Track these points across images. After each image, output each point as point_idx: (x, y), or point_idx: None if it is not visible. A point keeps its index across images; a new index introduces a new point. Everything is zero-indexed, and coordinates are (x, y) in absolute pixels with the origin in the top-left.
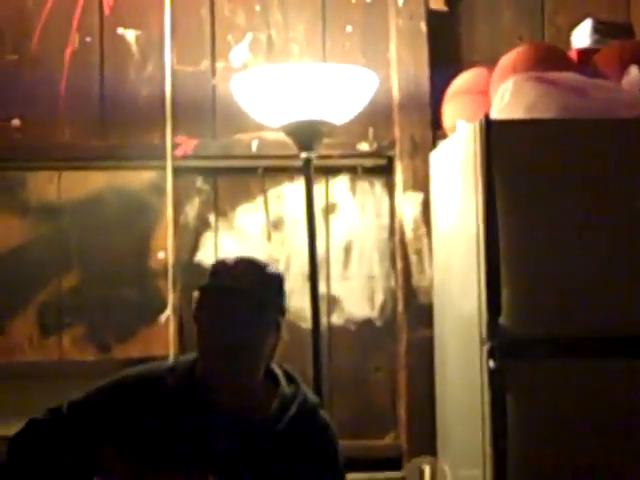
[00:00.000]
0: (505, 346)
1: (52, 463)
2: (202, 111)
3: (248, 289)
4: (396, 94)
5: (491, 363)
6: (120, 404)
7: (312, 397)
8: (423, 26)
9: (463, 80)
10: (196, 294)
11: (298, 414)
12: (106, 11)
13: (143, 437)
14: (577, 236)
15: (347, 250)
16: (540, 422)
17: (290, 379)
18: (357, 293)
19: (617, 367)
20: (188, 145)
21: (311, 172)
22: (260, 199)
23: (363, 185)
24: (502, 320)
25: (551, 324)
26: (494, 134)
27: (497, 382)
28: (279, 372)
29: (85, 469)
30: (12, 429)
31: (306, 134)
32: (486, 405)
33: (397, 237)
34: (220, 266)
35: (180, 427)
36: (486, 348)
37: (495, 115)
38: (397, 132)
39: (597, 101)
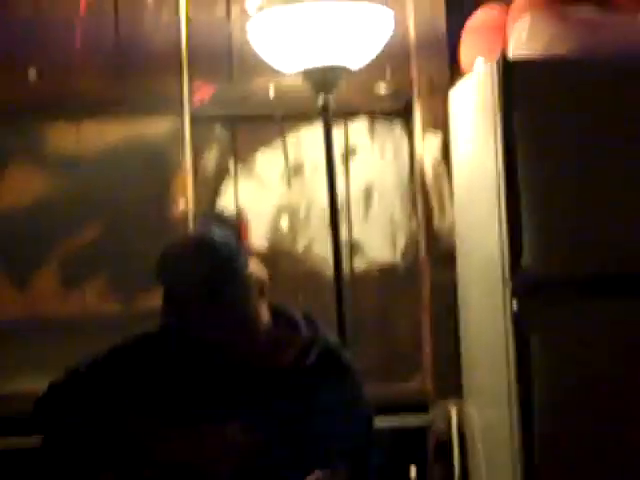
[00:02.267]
0: (527, 286)
1: (76, 430)
2: (218, 57)
3: (206, 286)
4: (413, 34)
5: (514, 303)
6: (136, 362)
7: (333, 340)
8: None
9: (480, 17)
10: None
11: (319, 356)
12: None
13: (160, 392)
14: (598, 176)
15: (367, 194)
16: (565, 361)
17: (309, 321)
18: (379, 237)
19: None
20: (205, 92)
21: (329, 115)
22: (279, 145)
23: (382, 127)
24: (524, 260)
25: (574, 263)
26: (512, 72)
27: (520, 322)
28: (298, 315)
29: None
30: (38, 384)
31: (323, 78)
32: (510, 346)
33: (417, 180)
34: (166, 270)
35: (197, 380)
36: (509, 288)
37: (513, 52)
38: (414, 72)
39: (615, 38)
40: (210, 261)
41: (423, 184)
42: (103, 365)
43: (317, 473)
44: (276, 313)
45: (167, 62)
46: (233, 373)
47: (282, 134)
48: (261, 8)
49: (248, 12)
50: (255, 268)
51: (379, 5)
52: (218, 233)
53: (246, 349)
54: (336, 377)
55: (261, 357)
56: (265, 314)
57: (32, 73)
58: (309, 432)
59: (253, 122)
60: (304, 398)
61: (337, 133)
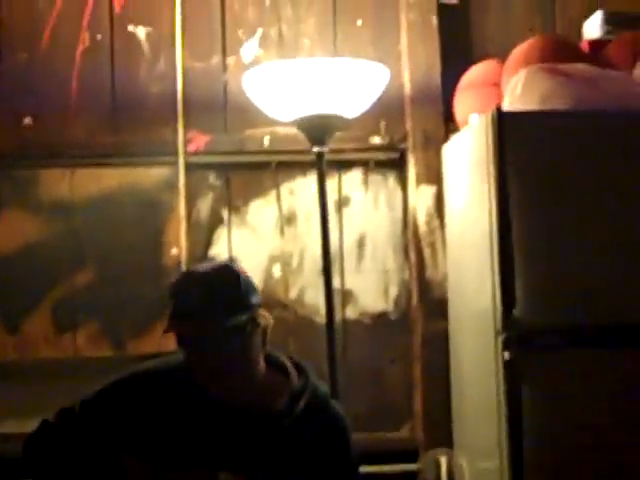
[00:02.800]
0: (519, 337)
1: (65, 468)
2: (214, 107)
3: (210, 322)
4: (408, 87)
5: (506, 354)
6: (131, 401)
7: (322, 388)
8: (434, 19)
9: (475, 73)
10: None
11: (308, 407)
12: (116, 9)
13: (155, 434)
14: (590, 228)
15: (360, 244)
16: (556, 413)
17: (299, 370)
18: (371, 287)
19: (633, 356)
20: (200, 141)
21: (323, 166)
22: (273, 194)
23: (376, 178)
24: (516, 311)
25: (565, 315)
26: (506, 126)
27: (512, 373)
28: (288, 363)
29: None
30: (28, 426)
31: (318, 128)
32: (502, 396)
33: (410, 230)
34: (176, 301)
35: (191, 422)
36: (501, 339)
37: (507, 107)
38: (409, 125)
39: (609, 93)
40: (233, 290)
41: (416, 235)
42: (97, 404)
43: None
44: (267, 360)
45: (163, 110)
46: (226, 418)
47: (276, 183)
48: (257, 59)
49: (243, 61)
50: (263, 314)
51: (374, 62)
52: (240, 269)
53: (242, 394)
54: (324, 426)
55: (253, 404)
56: (262, 360)
57: (27, 120)
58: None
59: (247, 171)
60: (292, 446)
61: (331, 183)
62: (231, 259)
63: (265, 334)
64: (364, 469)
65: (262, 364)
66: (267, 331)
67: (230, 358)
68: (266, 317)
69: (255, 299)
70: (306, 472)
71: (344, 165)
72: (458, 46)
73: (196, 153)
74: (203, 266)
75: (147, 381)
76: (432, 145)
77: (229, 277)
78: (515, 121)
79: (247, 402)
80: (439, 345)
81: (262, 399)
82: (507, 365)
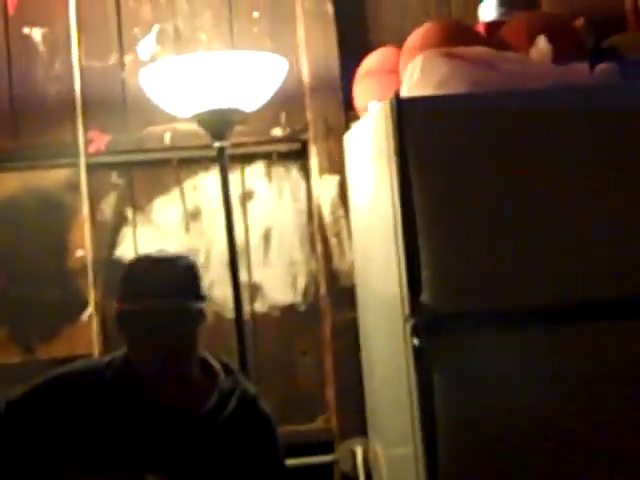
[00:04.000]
0: (428, 323)
1: None
2: (113, 106)
3: (164, 302)
4: (306, 78)
5: (415, 340)
6: (60, 401)
7: (251, 388)
8: (330, 8)
9: (372, 60)
10: (113, 311)
11: (237, 407)
12: (10, 11)
13: (82, 434)
14: (494, 212)
15: (267, 236)
16: (468, 397)
17: (228, 371)
18: (279, 279)
19: (541, 338)
20: (101, 141)
21: (225, 161)
22: (176, 191)
23: (279, 171)
24: (423, 297)
25: (472, 299)
26: (405, 112)
27: (422, 359)
28: (216, 364)
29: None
30: None
31: (218, 123)
32: (413, 383)
33: (315, 221)
34: (130, 281)
35: (120, 422)
36: (409, 326)
37: (406, 93)
38: (310, 116)
39: (507, 73)
40: (192, 277)
41: (321, 225)
42: (23, 404)
43: None
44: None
45: (61, 112)
46: (155, 418)
47: (179, 180)
48: (154, 57)
49: (140, 59)
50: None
51: (271, 53)
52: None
53: (174, 392)
54: (253, 427)
55: (183, 404)
56: (198, 357)
57: None
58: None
59: (149, 169)
60: (222, 447)
61: (234, 177)
62: None
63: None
64: None
65: (198, 362)
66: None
67: (178, 344)
68: (209, 313)
69: (204, 291)
70: (235, 472)
71: (246, 159)
72: (355, 34)
73: (97, 153)
74: (159, 252)
75: (74, 381)
76: (333, 135)
77: (189, 264)
78: (414, 107)
79: (177, 402)
80: (349, 334)
81: (192, 399)
82: (416, 351)
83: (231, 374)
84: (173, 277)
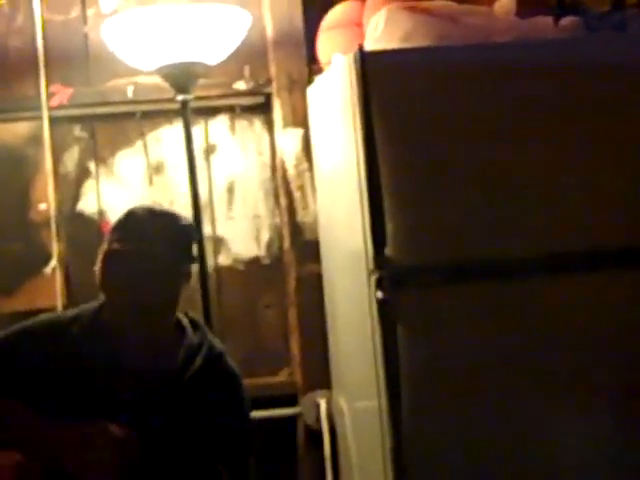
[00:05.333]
0: (392, 276)
1: None
2: (75, 59)
3: (157, 253)
4: (270, 31)
5: (379, 294)
6: (26, 352)
7: (218, 345)
8: None
9: (336, 13)
10: (102, 253)
11: (204, 364)
12: None
13: (49, 385)
14: (459, 164)
15: (230, 190)
16: (432, 350)
17: (196, 327)
18: (243, 232)
19: (505, 290)
20: (63, 94)
21: (189, 114)
22: (140, 144)
23: (242, 124)
24: (388, 251)
25: (436, 252)
26: (369, 65)
27: (386, 312)
28: (185, 320)
29: None
30: None
31: (181, 76)
32: (377, 336)
33: (279, 174)
34: (129, 224)
35: (86, 376)
36: (373, 279)
37: (370, 47)
38: (273, 69)
39: (471, 27)
40: (189, 236)
41: (285, 179)
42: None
43: None
44: None
45: (24, 65)
46: (123, 372)
47: (142, 133)
48: (116, 10)
49: (103, 13)
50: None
51: (234, 6)
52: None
53: (145, 347)
54: (220, 383)
55: (151, 359)
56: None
57: None
58: (193, 435)
59: (112, 122)
60: (189, 402)
61: (197, 130)
62: (100, 211)
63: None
64: None
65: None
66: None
67: (160, 297)
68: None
69: (195, 253)
70: (201, 428)
71: (210, 112)
72: None
73: (60, 106)
74: (158, 205)
75: (43, 333)
76: (297, 88)
77: (188, 224)
78: (377, 60)
79: (144, 358)
80: (313, 288)
81: (160, 355)
82: (381, 304)
83: (198, 330)
84: (171, 230)
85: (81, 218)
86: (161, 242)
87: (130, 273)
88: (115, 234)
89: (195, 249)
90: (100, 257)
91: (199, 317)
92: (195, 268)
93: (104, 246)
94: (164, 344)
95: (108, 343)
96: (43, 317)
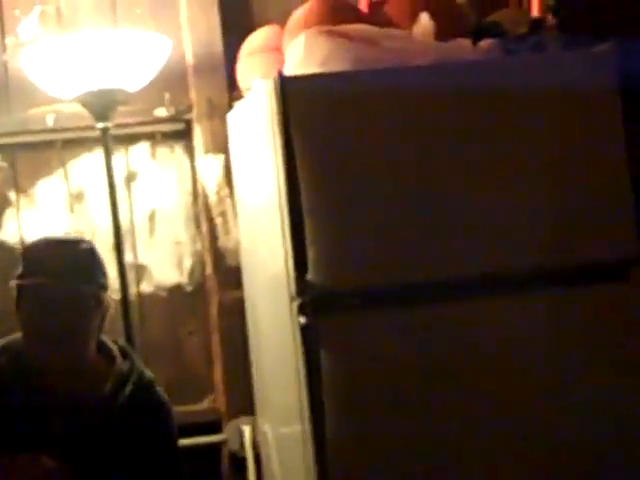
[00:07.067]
0: (314, 301)
1: None
2: None
3: (60, 282)
4: (190, 58)
5: (301, 319)
6: None
7: (147, 373)
8: None
9: (256, 38)
10: (13, 286)
11: (134, 391)
12: None
13: None
14: (380, 187)
15: (152, 217)
16: (356, 374)
17: (124, 354)
18: (165, 259)
19: (425, 313)
20: None
21: (109, 142)
22: (60, 172)
23: (163, 151)
24: (310, 276)
25: (358, 276)
26: (289, 90)
27: (309, 337)
28: (113, 347)
29: None
30: None
31: (100, 103)
32: (300, 361)
33: (200, 200)
34: (29, 258)
35: (16, 408)
36: (295, 304)
37: (289, 71)
38: (193, 95)
39: (390, 51)
40: (87, 259)
41: (206, 205)
42: None
43: None
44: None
45: None
46: (53, 403)
47: (63, 162)
48: (36, 37)
49: (22, 41)
50: (107, 298)
51: (154, 32)
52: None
53: (70, 377)
54: (149, 412)
55: (80, 388)
56: (94, 344)
57: None
58: (122, 466)
59: (33, 151)
60: (117, 432)
61: (118, 158)
62: (22, 241)
63: (103, 319)
64: None
65: (94, 348)
66: (105, 317)
67: (68, 327)
68: (109, 303)
69: (103, 279)
70: (130, 457)
71: (130, 139)
72: (238, 13)
73: None
74: (63, 235)
75: None
76: (217, 114)
77: (85, 247)
78: (297, 85)
79: (73, 386)
80: (236, 314)
81: (89, 383)
82: (303, 330)
83: (127, 357)
84: (68, 258)
85: (2, 247)
86: (58, 272)
87: (33, 306)
88: (21, 267)
89: (100, 274)
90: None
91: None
92: (114, 293)
93: (15, 281)
94: (90, 372)
95: (35, 374)
96: None
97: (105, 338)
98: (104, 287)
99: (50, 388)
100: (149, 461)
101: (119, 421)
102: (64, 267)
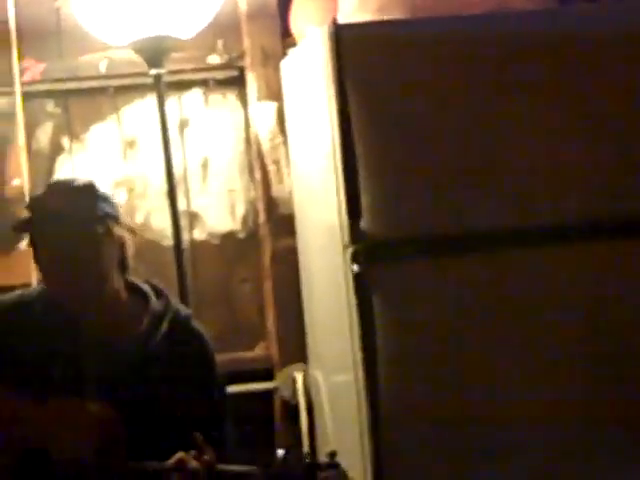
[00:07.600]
0: (367, 249)
1: None
2: (47, 34)
3: (60, 212)
4: (243, 4)
5: (354, 267)
6: None
7: (183, 309)
8: None
9: None
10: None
11: (171, 328)
12: None
13: (19, 365)
14: (434, 137)
15: (204, 164)
16: (408, 324)
17: (158, 294)
18: (218, 207)
19: (479, 263)
20: (36, 69)
21: (162, 88)
22: (113, 119)
23: (216, 98)
24: (363, 224)
25: (411, 225)
26: (343, 38)
27: (362, 286)
28: (147, 287)
29: None
30: None
31: (154, 50)
32: (353, 310)
33: (254, 148)
34: (33, 211)
35: (53, 353)
36: (349, 252)
37: (344, 19)
38: (247, 43)
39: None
40: (89, 196)
41: (260, 153)
42: None
43: (180, 455)
44: (126, 286)
45: None
46: (89, 345)
47: (115, 108)
48: None
49: None
50: (121, 230)
51: None
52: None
53: (101, 316)
54: (188, 347)
55: (115, 328)
56: (122, 285)
57: None
58: (165, 403)
59: (85, 97)
60: (158, 368)
61: (171, 104)
62: None
63: (123, 253)
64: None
65: (118, 282)
66: (125, 250)
67: (77, 252)
68: (124, 235)
69: (110, 210)
70: (173, 392)
71: (183, 86)
72: None
73: (32, 82)
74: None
75: (7, 312)
76: (271, 61)
77: (83, 182)
78: (351, 32)
79: (108, 328)
80: (288, 262)
81: (124, 323)
82: (356, 278)
83: (161, 296)
84: (65, 202)
85: None
86: (58, 217)
87: (47, 258)
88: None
89: (101, 207)
90: None
91: (174, 291)
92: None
93: None
94: (123, 313)
95: (70, 318)
96: (10, 296)
97: (137, 280)
98: (110, 216)
99: (86, 330)
100: (193, 390)
101: (158, 359)
102: (62, 201)
